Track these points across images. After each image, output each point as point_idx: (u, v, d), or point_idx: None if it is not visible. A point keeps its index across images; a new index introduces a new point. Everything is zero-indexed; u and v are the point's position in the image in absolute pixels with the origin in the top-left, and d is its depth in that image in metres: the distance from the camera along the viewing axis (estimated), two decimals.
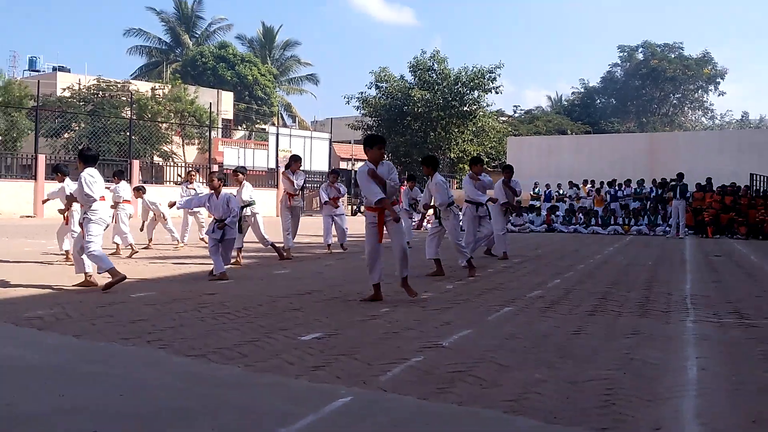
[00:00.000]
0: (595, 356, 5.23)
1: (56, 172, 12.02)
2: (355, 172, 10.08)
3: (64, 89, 37.50)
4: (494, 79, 40.29)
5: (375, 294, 7.79)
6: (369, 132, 42.78)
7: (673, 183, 22.96)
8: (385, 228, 7.74)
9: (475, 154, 41.50)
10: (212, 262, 9.81)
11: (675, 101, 70.35)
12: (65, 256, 11.44)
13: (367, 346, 5.45)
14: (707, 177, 24.79)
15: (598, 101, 71.93)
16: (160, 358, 5.04)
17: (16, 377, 4.46)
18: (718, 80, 68.05)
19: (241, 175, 11.96)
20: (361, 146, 8.54)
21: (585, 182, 28.32)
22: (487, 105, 42.38)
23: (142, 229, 14.21)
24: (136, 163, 30.04)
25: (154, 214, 14.15)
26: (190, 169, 21.07)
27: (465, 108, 40.98)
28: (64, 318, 6.46)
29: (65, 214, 10.95)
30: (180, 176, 31.57)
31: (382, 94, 41.68)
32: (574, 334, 6.06)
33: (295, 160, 13.32)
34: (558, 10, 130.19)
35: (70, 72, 43.82)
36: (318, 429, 3.57)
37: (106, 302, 7.36)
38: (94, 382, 4.38)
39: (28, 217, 25.18)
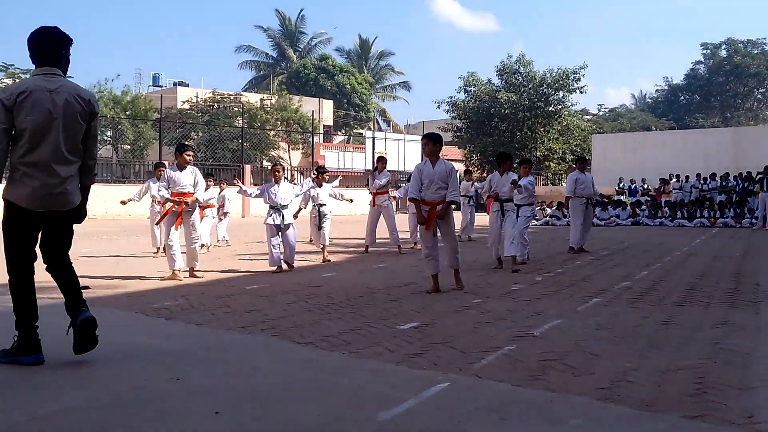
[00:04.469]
0: (685, 346, 5.01)
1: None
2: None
3: (184, 102, 38.98)
4: (578, 79, 39.24)
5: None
6: (459, 134, 42.45)
7: (760, 176, 21.82)
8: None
9: (561, 153, 40.69)
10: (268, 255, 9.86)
11: (759, 96, 66.65)
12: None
13: (462, 335, 5.40)
14: None
15: (682, 98, 69.04)
16: (272, 345, 5.14)
17: (145, 361, 4.63)
18: None
19: (325, 176, 11.76)
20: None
21: (671, 177, 27.36)
22: (572, 104, 41.34)
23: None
24: (247, 168, 30.85)
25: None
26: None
27: (550, 108, 40.10)
28: (188, 308, 6.67)
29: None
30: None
31: (471, 98, 41.18)
32: (663, 324, 5.82)
33: (380, 161, 13.23)
34: (638, 11, 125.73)
35: (188, 86, 45.44)
36: (418, 412, 3.55)
37: (224, 294, 7.57)
38: (214, 367, 4.49)
39: None
